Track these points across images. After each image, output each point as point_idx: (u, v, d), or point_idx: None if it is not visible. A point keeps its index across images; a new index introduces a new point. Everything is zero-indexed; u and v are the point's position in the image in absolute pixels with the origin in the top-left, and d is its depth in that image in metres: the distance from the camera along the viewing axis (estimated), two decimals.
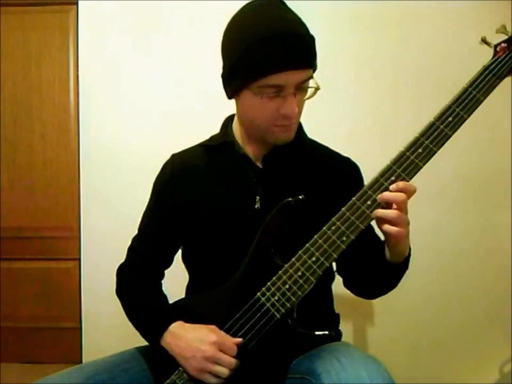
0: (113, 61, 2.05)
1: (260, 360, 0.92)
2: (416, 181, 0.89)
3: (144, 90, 2.04)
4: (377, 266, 0.99)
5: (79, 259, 2.12)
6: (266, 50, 0.88)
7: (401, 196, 0.85)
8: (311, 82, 0.95)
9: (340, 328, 1.10)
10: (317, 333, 0.93)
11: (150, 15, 2.02)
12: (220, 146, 1.07)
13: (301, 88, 0.93)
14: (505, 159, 1.89)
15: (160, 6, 2.01)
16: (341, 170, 1.10)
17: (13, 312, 2.19)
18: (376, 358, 0.85)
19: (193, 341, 0.91)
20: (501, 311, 1.90)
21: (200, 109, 1.99)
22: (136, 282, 1.09)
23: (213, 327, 0.93)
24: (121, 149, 2.04)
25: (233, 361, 0.89)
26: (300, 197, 0.93)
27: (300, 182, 1.03)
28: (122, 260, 1.15)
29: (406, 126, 1.93)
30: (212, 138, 1.12)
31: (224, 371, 0.88)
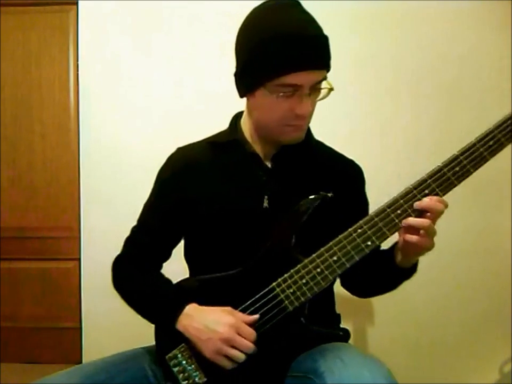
0: (113, 61, 2.05)
1: (265, 349, 0.92)
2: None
3: (144, 90, 2.04)
4: (384, 270, 1.00)
5: (79, 259, 2.12)
6: (286, 49, 0.88)
7: (440, 205, 0.87)
8: (324, 83, 0.95)
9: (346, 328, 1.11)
10: (326, 330, 0.94)
11: (150, 15, 2.02)
12: (228, 144, 1.06)
13: (315, 88, 0.93)
14: (505, 159, 1.89)
15: (160, 6, 2.01)
16: (345, 172, 1.10)
17: (13, 312, 2.19)
18: (378, 359, 0.85)
19: (210, 322, 0.90)
20: (501, 311, 1.90)
21: (200, 109, 1.99)
22: (137, 271, 1.08)
23: (229, 308, 0.92)
24: (121, 149, 2.04)
25: (250, 345, 0.88)
26: (329, 194, 0.93)
27: (307, 182, 1.03)
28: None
29: (406, 126, 1.94)
30: (220, 135, 1.11)
31: (240, 355, 0.88)
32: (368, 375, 0.78)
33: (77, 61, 2.09)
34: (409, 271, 0.98)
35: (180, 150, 1.12)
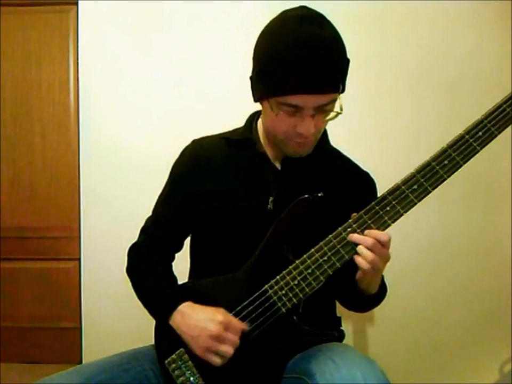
0: (113, 61, 2.05)
1: (260, 351, 0.93)
2: None
3: (144, 90, 2.04)
4: (350, 293, 1.05)
5: (79, 259, 2.12)
6: (290, 70, 0.86)
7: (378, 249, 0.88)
8: (336, 104, 0.93)
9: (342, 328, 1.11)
10: (319, 330, 0.94)
11: (150, 15, 2.02)
12: (240, 142, 1.07)
13: (322, 110, 0.91)
14: (505, 159, 1.89)
15: (160, 6, 2.01)
16: (355, 181, 1.09)
17: (13, 312, 2.19)
18: (371, 359, 0.86)
19: (201, 320, 0.92)
20: (500, 311, 1.90)
21: (200, 109, 1.98)
22: (147, 262, 1.10)
23: (222, 309, 0.94)
24: (122, 149, 2.04)
25: (237, 340, 0.90)
26: (319, 194, 0.93)
27: (315, 187, 1.01)
28: (126, 256, 1.15)
29: (406, 126, 1.94)
30: (235, 132, 1.12)
31: (228, 350, 0.90)
32: (360, 376, 0.79)
33: (77, 61, 2.08)
34: (371, 297, 1.03)
35: (194, 143, 1.13)
